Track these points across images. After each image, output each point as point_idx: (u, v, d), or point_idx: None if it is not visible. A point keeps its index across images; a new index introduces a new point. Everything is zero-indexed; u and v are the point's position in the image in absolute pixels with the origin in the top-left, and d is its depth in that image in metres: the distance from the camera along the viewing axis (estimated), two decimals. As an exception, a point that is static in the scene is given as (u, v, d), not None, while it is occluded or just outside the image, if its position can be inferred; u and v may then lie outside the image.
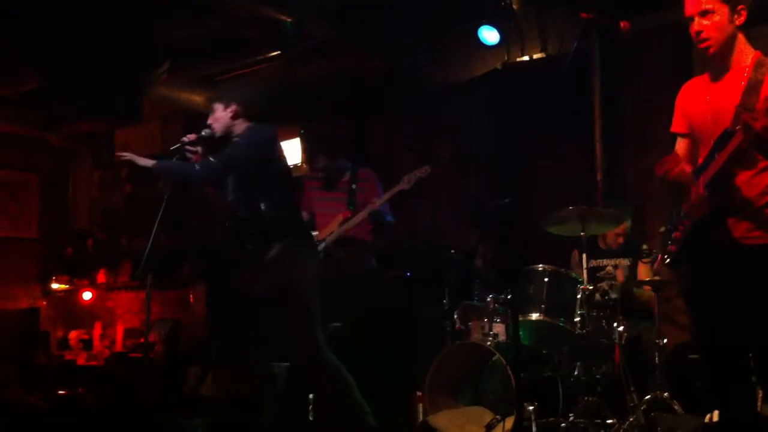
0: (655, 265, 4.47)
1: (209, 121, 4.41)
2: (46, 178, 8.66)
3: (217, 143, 4.40)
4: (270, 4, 5.97)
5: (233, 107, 4.38)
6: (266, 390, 4.43)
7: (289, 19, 6.06)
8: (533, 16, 6.03)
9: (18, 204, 8.44)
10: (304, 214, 5.38)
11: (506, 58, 6.30)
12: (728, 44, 3.00)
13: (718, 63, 3.05)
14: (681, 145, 3.24)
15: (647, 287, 4.88)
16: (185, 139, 4.33)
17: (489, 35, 6.05)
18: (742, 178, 2.94)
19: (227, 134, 4.40)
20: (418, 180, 5.28)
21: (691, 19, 3.02)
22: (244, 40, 6.46)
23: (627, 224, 5.29)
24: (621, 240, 5.39)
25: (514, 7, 5.88)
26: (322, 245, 5.23)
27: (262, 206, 4.31)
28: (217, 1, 5.94)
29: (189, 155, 4.33)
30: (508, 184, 6.08)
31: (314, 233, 5.21)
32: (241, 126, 4.39)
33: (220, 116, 4.38)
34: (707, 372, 3.23)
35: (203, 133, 4.37)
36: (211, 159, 4.26)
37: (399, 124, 7.27)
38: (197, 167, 4.24)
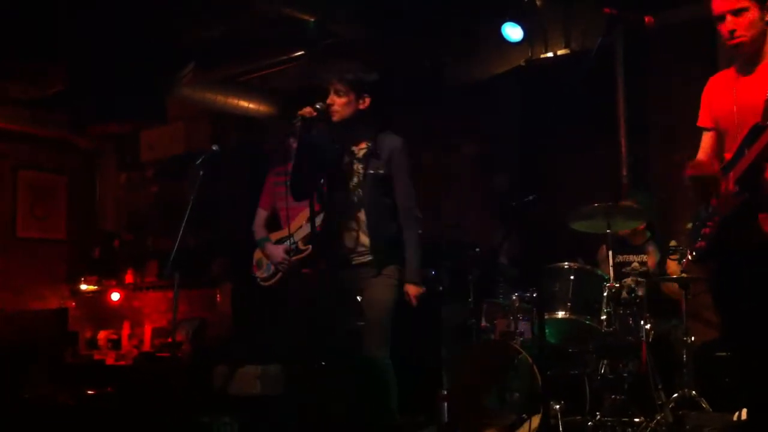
0: (684, 261, 4.43)
1: (332, 102, 3.75)
2: (73, 180, 8.73)
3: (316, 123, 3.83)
4: (293, 4, 5.99)
5: (367, 100, 3.78)
6: (298, 389, 4.41)
7: (312, 19, 6.08)
8: (557, 12, 6.00)
9: (46, 206, 8.52)
10: (264, 211, 5.22)
11: (530, 54, 6.28)
12: (759, 40, 3.01)
13: (749, 58, 3.04)
14: (707, 140, 3.22)
15: (674, 284, 4.84)
16: (307, 113, 3.73)
17: (512, 32, 6.03)
18: (773, 173, 2.91)
19: (343, 123, 3.78)
20: None
21: (721, 17, 3.00)
22: (268, 40, 6.48)
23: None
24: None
25: (538, 3, 5.86)
26: (293, 240, 4.96)
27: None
28: (241, 2, 5.96)
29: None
30: (532, 181, 6.06)
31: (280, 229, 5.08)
32: (367, 127, 3.83)
33: (348, 102, 3.76)
34: (736, 369, 3.20)
35: (318, 107, 3.73)
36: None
37: (423, 122, 7.26)
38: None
